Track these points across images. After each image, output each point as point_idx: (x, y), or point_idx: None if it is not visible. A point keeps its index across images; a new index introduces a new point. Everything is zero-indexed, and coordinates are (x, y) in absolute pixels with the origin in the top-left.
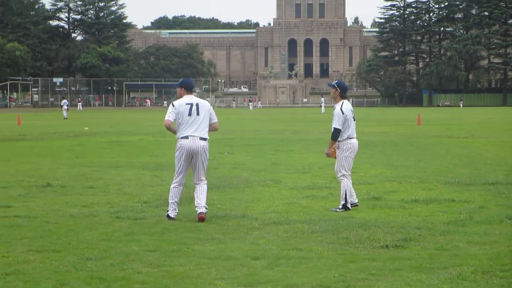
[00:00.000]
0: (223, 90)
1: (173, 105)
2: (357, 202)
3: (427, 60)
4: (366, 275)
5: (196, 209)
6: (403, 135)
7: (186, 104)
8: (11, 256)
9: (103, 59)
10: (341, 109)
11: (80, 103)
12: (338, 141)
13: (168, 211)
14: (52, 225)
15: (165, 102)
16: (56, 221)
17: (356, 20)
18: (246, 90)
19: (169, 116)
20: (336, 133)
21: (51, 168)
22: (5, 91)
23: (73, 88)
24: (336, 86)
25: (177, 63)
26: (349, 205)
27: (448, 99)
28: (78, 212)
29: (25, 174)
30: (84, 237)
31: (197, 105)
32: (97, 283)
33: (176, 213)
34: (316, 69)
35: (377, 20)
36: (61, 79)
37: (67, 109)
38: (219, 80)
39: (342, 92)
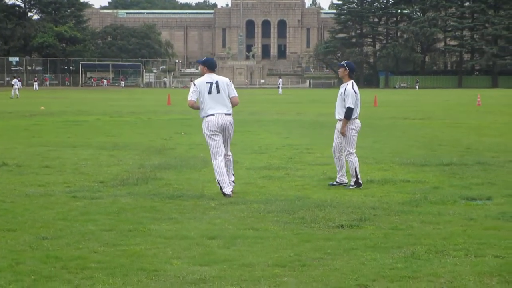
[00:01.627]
0: (181, 70)
1: (194, 84)
2: (346, 182)
3: (384, 42)
4: (322, 255)
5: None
6: (360, 117)
7: (206, 82)
8: None
9: (59, 39)
10: (353, 88)
11: (36, 83)
12: (339, 120)
13: (222, 189)
14: (7, 204)
15: (122, 82)
16: (11, 200)
17: (313, 1)
18: None
19: (192, 96)
20: (350, 112)
21: (6, 148)
22: None
23: (29, 68)
24: (345, 65)
25: (134, 43)
26: (360, 181)
27: (404, 81)
28: (34, 191)
29: None
30: (40, 216)
31: (216, 83)
32: (53, 262)
33: (231, 189)
34: (273, 51)
35: (335, 2)
36: (17, 59)
37: (18, 89)
38: (177, 61)
39: (351, 72)
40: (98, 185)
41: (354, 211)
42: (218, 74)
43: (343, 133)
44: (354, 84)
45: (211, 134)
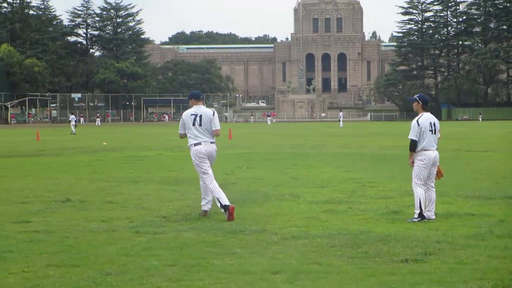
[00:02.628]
0: (241, 105)
1: (182, 117)
2: (434, 218)
3: (446, 74)
4: None
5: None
6: None
7: (191, 115)
8: (31, 271)
9: (121, 75)
10: (417, 121)
11: (99, 119)
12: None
13: (222, 204)
14: (71, 240)
15: None
16: (75, 236)
17: (374, 34)
18: (264, 104)
19: (180, 129)
20: (411, 144)
21: (70, 183)
22: (23, 107)
23: (91, 104)
24: (418, 99)
25: (195, 78)
26: (425, 214)
27: (467, 113)
28: (97, 227)
29: (45, 189)
30: (103, 252)
31: (200, 116)
32: None
33: (209, 207)
34: (334, 84)
35: (395, 34)
36: (79, 95)
37: (75, 125)
38: (237, 95)
39: (424, 104)
40: (160, 220)
41: (419, 245)
42: (276, 108)
43: (410, 164)
44: (425, 115)
45: (199, 162)
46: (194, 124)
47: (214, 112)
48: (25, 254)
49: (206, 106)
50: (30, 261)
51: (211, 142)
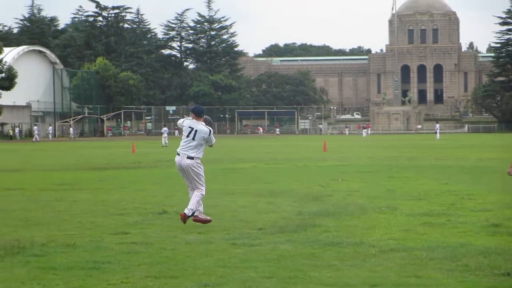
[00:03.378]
0: (336, 117)
1: (182, 123)
2: None
3: None
4: None
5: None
6: None
7: (189, 127)
8: (129, 282)
9: (215, 87)
10: None
11: None
12: None
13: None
14: (169, 252)
15: (278, 129)
16: (173, 248)
17: (470, 45)
18: (359, 116)
19: (178, 124)
20: None
21: (166, 195)
22: (119, 120)
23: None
24: None
25: (289, 90)
26: None
27: None
28: (194, 238)
29: (141, 201)
30: (200, 264)
31: (195, 131)
32: None
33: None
34: (430, 95)
35: (492, 45)
36: (174, 107)
37: (167, 137)
38: (331, 107)
39: None
40: (257, 232)
41: None
42: (371, 120)
43: (508, 173)
44: None
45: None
46: (188, 136)
47: (210, 132)
48: (124, 265)
49: (301, 119)
50: (128, 272)
51: (188, 157)
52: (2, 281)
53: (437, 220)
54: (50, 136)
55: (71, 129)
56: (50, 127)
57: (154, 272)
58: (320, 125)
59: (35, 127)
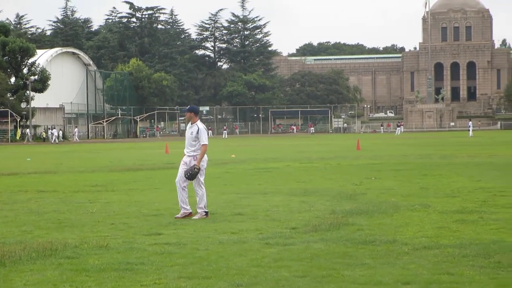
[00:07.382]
0: (369, 115)
1: (203, 129)
2: None
3: None
4: None
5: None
6: None
7: (188, 129)
8: (162, 283)
9: (248, 87)
10: None
11: (225, 131)
12: None
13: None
14: (202, 252)
15: (311, 128)
16: (206, 248)
17: (503, 42)
18: (392, 115)
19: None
20: None
21: None
22: (152, 120)
23: (219, 116)
24: None
25: (322, 89)
26: None
27: None
28: (227, 238)
29: (174, 202)
30: (234, 264)
31: (191, 132)
32: None
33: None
34: (463, 93)
35: None
36: (207, 108)
37: None
38: (365, 105)
39: None
40: (290, 232)
41: None
42: (404, 118)
43: None
44: None
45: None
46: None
47: (207, 128)
48: (157, 266)
49: (334, 117)
50: (161, 273)
51: (188, 156)
52: (34, 283)
53: (470, 217)
54: (75, 138)
55: (75, 130)
56: (76, 129)
57: (187, 272)
58: (354, 124)
59: (75, 129)
